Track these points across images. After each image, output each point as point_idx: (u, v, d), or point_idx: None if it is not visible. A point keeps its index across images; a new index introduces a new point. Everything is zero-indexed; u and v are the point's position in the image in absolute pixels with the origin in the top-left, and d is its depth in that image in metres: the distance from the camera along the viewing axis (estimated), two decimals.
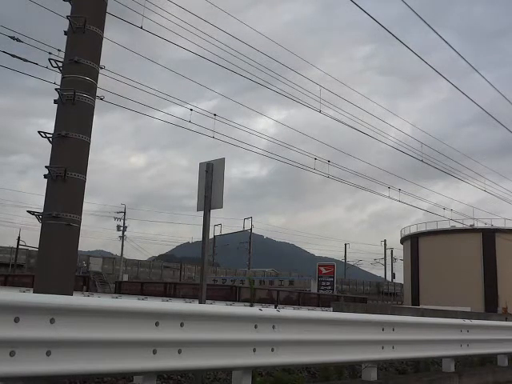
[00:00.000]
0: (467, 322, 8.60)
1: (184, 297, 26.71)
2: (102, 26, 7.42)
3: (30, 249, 53.53)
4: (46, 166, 6.77)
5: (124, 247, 57.94)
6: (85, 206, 7.15)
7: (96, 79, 7.27)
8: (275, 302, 29.57)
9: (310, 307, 25.89)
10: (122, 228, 58.02)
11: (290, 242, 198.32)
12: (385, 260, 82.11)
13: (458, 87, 13.75)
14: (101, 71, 7.53)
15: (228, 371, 5.91)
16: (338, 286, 62.51)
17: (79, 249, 7.43)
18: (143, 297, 24.74)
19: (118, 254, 60.97)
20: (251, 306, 7.98)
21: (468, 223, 50.77)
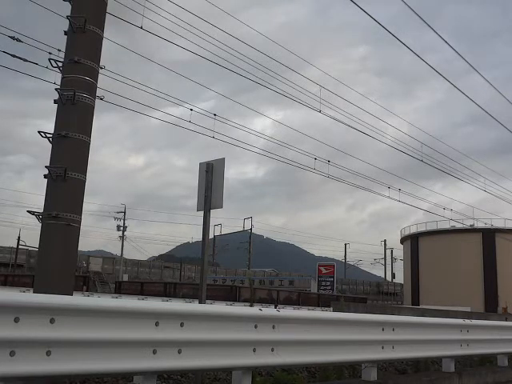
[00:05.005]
0: (467, 321, 8.60)
1: (184, 297, 26.68)
2: (102, 26, 7.41)
3: (29, 249, 53.49)
4: (46, 166, 6.76)
5: (124, 247, 57.99)
6: (85, 206, 7.15)
7: (96, 79, 7.27)
8: (275, 302, 29.55)
9: (310, 307, 25.87)
10: (121, 228, 58.04)
11: (290, 242, 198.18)
12: (385, 260, 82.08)
13: (453, 89, 13.75)
14: (101, 71, 7.53)
15: (228, 371, 5.91)
16: (337, 286, 62.49)
17: (79, 249, 7.42)
18: (143, 297, 24.71)
19: (118, 253, 61.01)
20: (251, 305, 7.98)
21: (468, 223, 50.78)
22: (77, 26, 7.07)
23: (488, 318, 19.23)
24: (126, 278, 51.43)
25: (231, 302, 23.89)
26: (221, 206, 7.08)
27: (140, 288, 31.99)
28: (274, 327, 5.13)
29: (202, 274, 7.15)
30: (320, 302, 33.99)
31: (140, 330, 4.10)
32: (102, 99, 7.70)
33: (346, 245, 79.95)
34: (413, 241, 60.65)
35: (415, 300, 56.60)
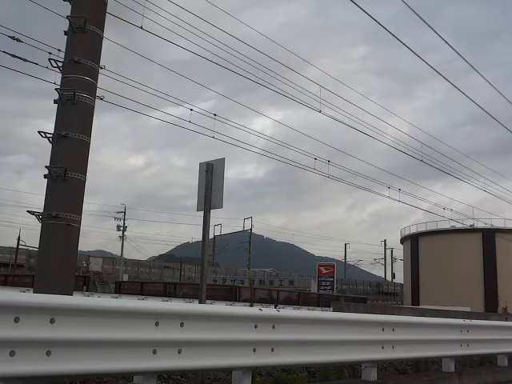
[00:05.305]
0: (467, 322, 8.60)
1: (184, 297, 26.67)
2: (102, 26, 7.41)
3: (29, 249, 53.49)
4: (46, 166, 6.76)
5: (124, 247, 57.99)
6: (85, 206, 7.15)
7: (96, 79, 7.27)
8: (275, 301, 29.54)
9: (310, 307, 25.86)
10: (121, 228, 58.03)
11: (290, 242, 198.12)
12: (385, 260, 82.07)
13: (453, 89, 13.76)
14: (101, 71, 7.53)
15: (228, 371, 5.91)
16: (337, 286, 62.48)
17: (79, 249, 7.42)
18: (143, 297, 24.70)
19: (118, 253, 61.01)
20: (251, 305, 7.98)
21: (468, 223, 50.77)
22: (77, 25, 7.07)
23: (488, 317, 19.23)
24: (126, 278, 51.42)
25: (231, 302, 23.88)
26: (221, 206, 7.08)
27: (140, 288, 31.98)
28: (273, 327, 5.13)
29: (202, 273, 7.15)
30: (320, 302, 33.97)
31: (140, 329, 4.10)
32: (102, 99, 7.70)
33: (345, 245, 79.99)
34: (413, 241, 60.64)
35: (415, 300, 56.60)
